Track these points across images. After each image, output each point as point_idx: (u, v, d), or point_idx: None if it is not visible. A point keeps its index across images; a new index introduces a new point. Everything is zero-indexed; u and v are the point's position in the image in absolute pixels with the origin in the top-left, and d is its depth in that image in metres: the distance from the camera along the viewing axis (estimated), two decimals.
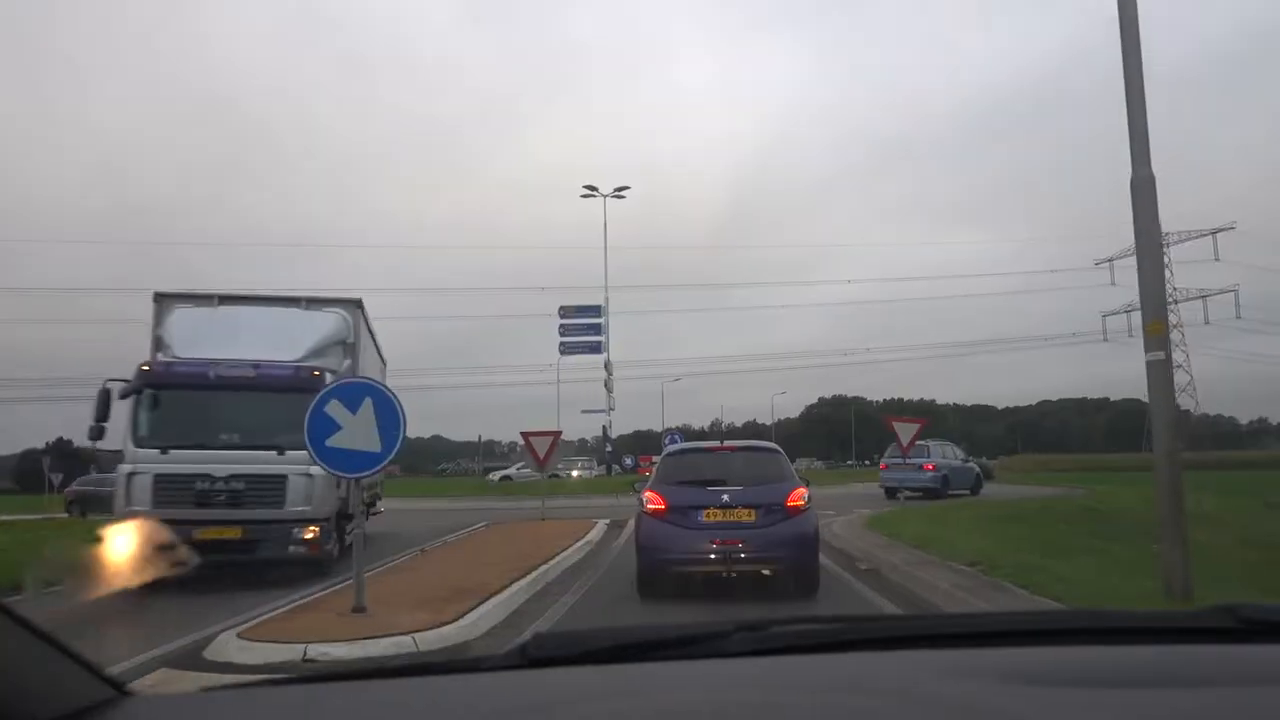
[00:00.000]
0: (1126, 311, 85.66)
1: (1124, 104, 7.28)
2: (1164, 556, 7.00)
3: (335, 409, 7.32)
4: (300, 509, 10.29)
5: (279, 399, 10.16)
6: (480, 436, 55.73)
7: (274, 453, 10.28)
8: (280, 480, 10.29)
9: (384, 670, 1.43)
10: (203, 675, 5.81)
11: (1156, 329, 7.01)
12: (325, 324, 12.03)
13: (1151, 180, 7.11)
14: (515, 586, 9.06)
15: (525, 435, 19.79)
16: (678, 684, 1.24)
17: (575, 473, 46.05)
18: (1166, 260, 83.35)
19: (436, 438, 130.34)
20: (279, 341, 11.06)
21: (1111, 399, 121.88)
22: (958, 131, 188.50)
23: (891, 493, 25.80)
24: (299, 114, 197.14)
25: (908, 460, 24.52)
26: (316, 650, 6.09)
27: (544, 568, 10.79)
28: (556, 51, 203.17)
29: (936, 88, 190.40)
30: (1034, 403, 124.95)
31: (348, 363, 11.98)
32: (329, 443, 7.30)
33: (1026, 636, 1.44)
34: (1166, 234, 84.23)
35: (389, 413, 7.36)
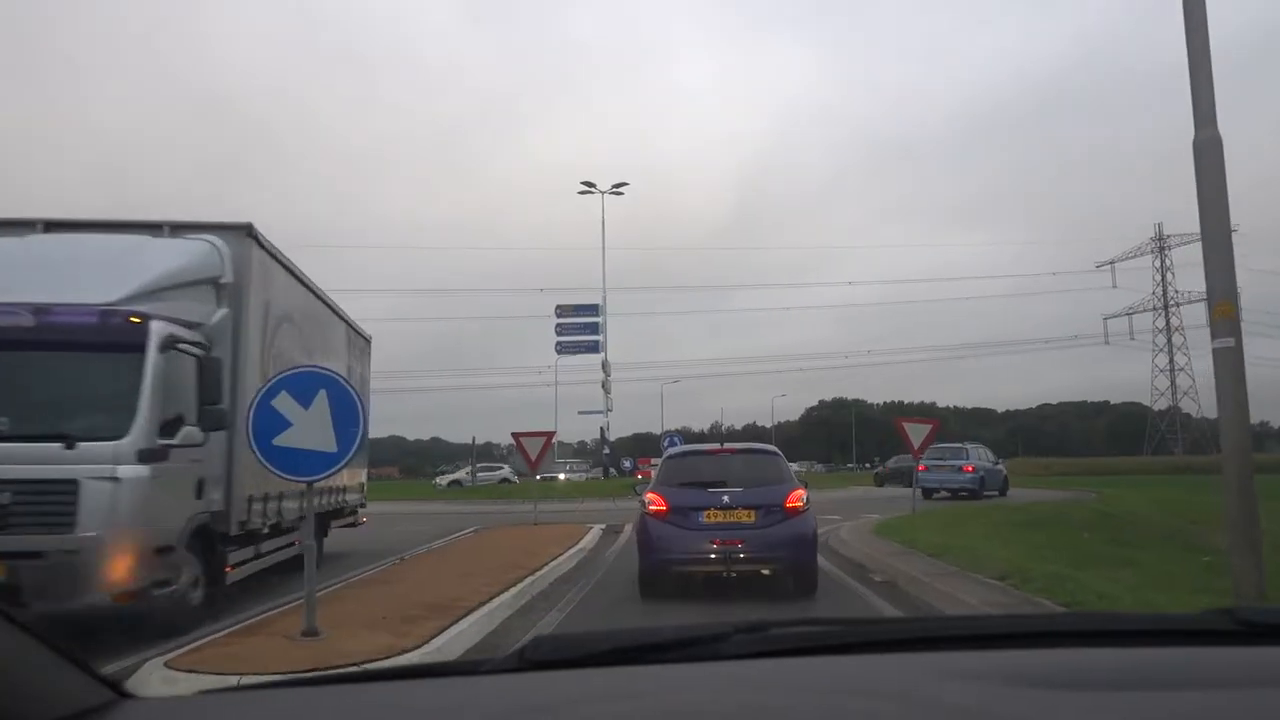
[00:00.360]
0: (1128, 314, 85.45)
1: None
2: (1234, 564, 6.11)
3: (284, 403, 6.40)
4: (99, 533, 6.48)
5: (73, 361, 7.01)
6: (474, 438, 54.88)
7: (59, 446, 6.61)
8: (68, 488, 6.54)
9: (384, 673, 1.50)
10: None
11: (1225, 310, 6.12)
12: (179, 255, 8.19)
13: (1217, 141, 6.25)
14: (496, 602, 8.15)
15: (516, 436, 18.86)
16: (677, 686, 1.23)
17: (562, 476, 44.33)
18: (1168, 263, 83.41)
19: (436, 440, 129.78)
20: (109, 279, 7.53)
21: (1111, 402, 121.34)
22: (959, 133, 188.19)
23: (929, 493, 26.18)
24: (299, 114, 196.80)
25: (947, 462, 25.80)
26: (250, 683, 5.16)
27: (530, 579, 9.88)
28: (558, 52, 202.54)
29: (938, 90, 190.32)
30: (1034, 406, 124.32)
31: (223, 313, 8.28)
32: (276, 441, 6.37)
33: (1027, 639, 1.44)
34: (1167, 236, 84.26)
35: (346, 407, 6.44)
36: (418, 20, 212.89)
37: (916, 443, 16.53)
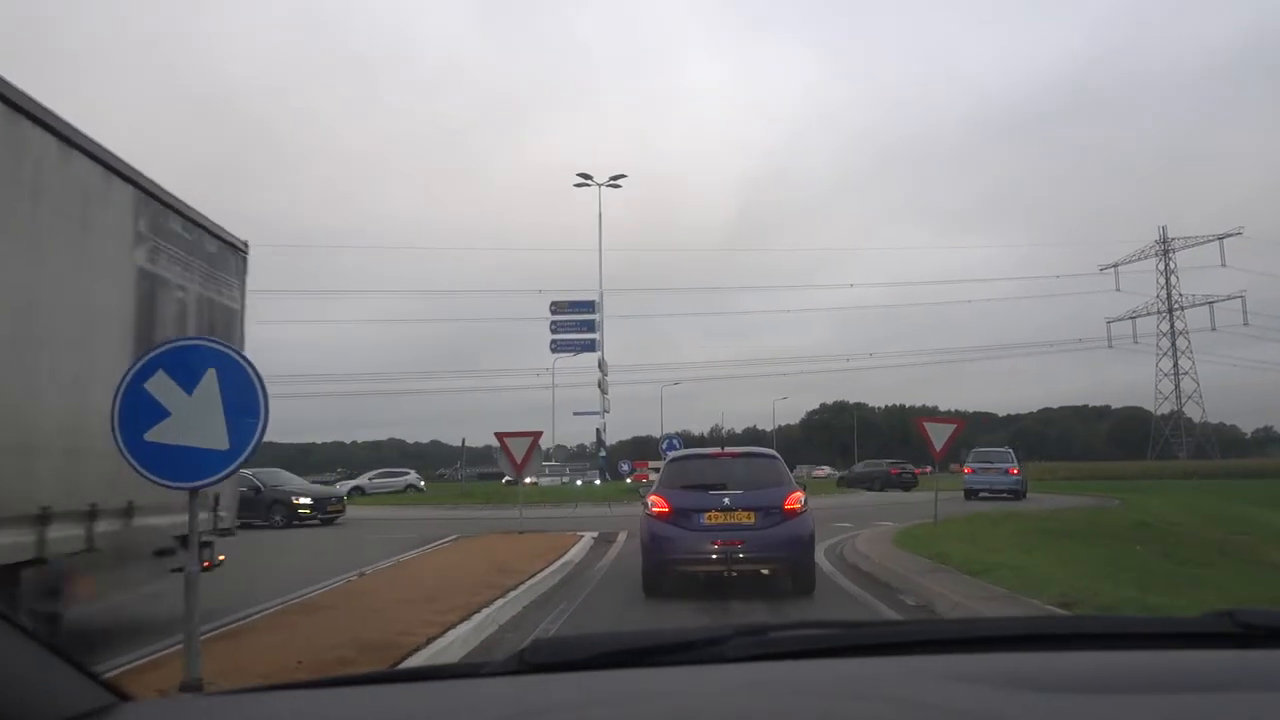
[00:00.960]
0: (1132, 318, 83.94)
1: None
2: None
3: (160, 385, 4.88)
4: None
5: None
6: (464, 440, 53.44)
7: None
8: None
9: (383, 676, 1.57)
10: None
11: None
12: None
13: None
14: (451, 636, 6.65)
15: (500, 436, 17.33)
16: (677, 689, 1.23)
17: (529, 479, 40.36)
18: (1172, 265, 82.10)
19: (435, 443, 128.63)
20: None
21: (1113, 406, 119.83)
22: (962, 136, 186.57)
23: (971, 494, 27.35)
24: (299, 114, 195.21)
25: (994, 465, 27.97)
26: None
27: (501, 601, 8.39)
28: (561, 52, 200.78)
29: (941, 92, 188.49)
30: (1035, 410, 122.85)
31: None
32: (149, 436, 4.86)
33: (1027, 642, 1.43)
34: (1172, 239, 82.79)
35: (243, 391, 4.93)
36: (421, 21, 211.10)
37: (939, 444, 15.00)
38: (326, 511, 23.17)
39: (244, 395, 4.94)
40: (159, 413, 4.88)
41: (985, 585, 8.59)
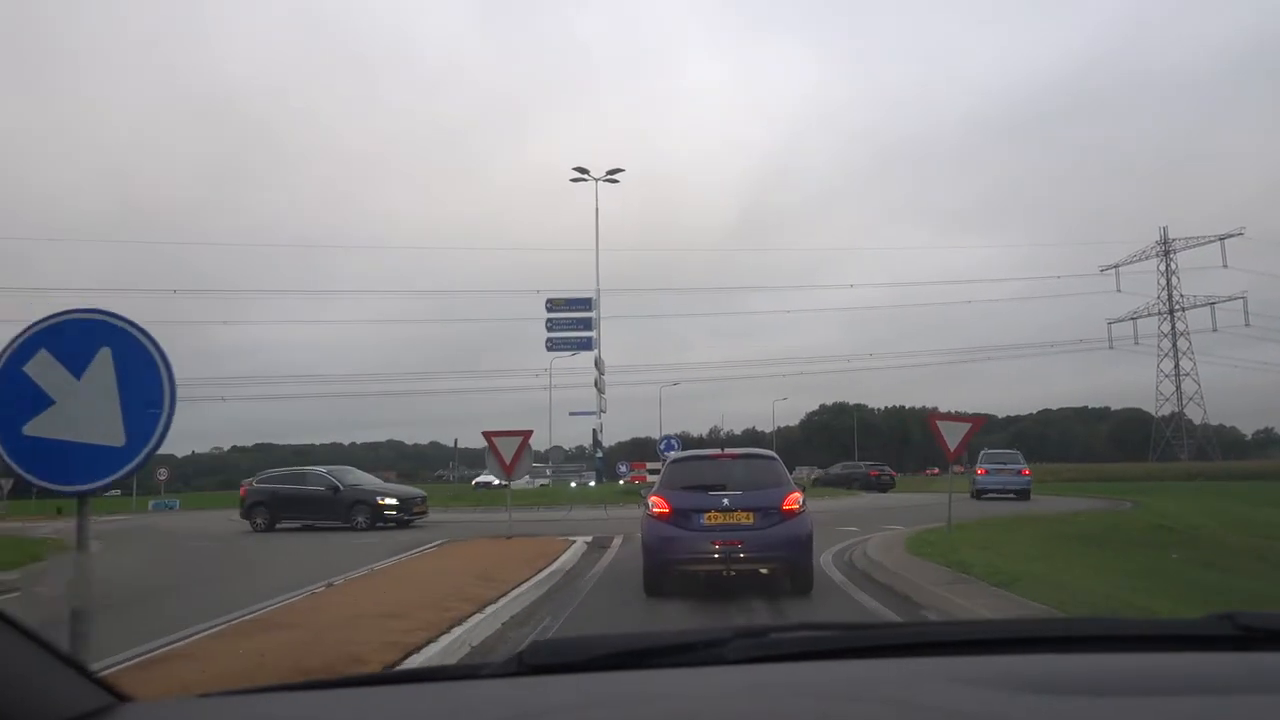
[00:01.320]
0: (1132, 319, 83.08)
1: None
2: None
3: (42, 368, 4.02)
4: None
5: None
6: (456, 442, 52.78)
7: None
8: None
9: (382, 677, 1.55)
10: None
11: None
12: None
13: None
14: (410, 663, 5.77)
15: (488, 436, 16.43)
16: (676, 691, 1.21)
17: (495, 481, 34.99)
18: (1173, 266, 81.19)
19: (434, 444, 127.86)
20: None
21: (1113, 408, 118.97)
22: (963, 136, 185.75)
23: (980, 494, 28.38)
24: (300, 115, 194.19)
25: (1007, 466, 28.84)
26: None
27: (477, 618, 7.53)
28: (562, 53, 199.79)
29: (941, 93, 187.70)
30: (1035, 411, 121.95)
31: None
32: (30, 430, 4.00)
33: (1028, 644, 1.40)
34: (1173, 240, 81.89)
35: (144, 374, 4.07)
36: (421, 21, 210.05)
37: (953, 444, 14.10)
38: (411, 512, 21.25)
39: (145, 380, 4.07)
40: (41, 401, 4.02)
41: (1015, 598, 7.72)
